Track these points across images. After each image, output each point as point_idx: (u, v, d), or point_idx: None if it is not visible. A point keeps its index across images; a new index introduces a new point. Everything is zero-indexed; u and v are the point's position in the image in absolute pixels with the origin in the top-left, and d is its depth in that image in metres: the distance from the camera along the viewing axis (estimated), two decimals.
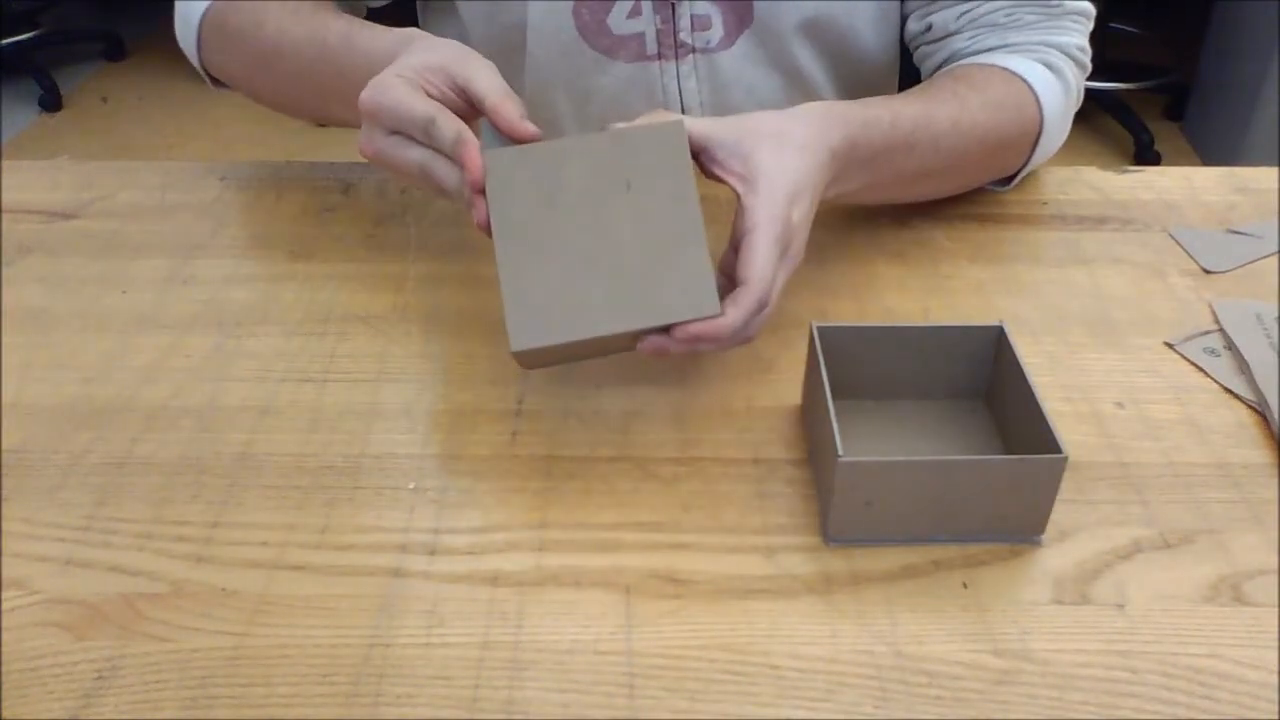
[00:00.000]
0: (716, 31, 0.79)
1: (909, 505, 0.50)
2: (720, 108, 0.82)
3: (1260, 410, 0.60)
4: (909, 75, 0.91)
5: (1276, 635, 0.47)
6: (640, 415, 0.59)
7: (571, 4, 0.77)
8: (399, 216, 0.77)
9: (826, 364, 0.54)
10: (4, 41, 2.83)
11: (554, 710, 0.44)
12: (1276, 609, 0.49)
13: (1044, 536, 0.52)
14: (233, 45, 0.77)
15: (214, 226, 0.76)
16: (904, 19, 0.82)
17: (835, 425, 0.49)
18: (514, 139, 0.56)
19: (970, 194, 0.79)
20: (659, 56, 0.79)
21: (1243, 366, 0.62)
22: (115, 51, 3.10)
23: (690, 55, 0.79)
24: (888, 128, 0.64)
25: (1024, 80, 0.73)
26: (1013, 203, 0.78)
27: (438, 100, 0.58)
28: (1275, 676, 0.46)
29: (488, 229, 0.54)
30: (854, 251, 0.73)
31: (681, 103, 0.81)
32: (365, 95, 0.59)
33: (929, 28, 0.79)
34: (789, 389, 0.61)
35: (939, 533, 0.51)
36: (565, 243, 0.53)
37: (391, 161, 0.59)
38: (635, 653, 0.47)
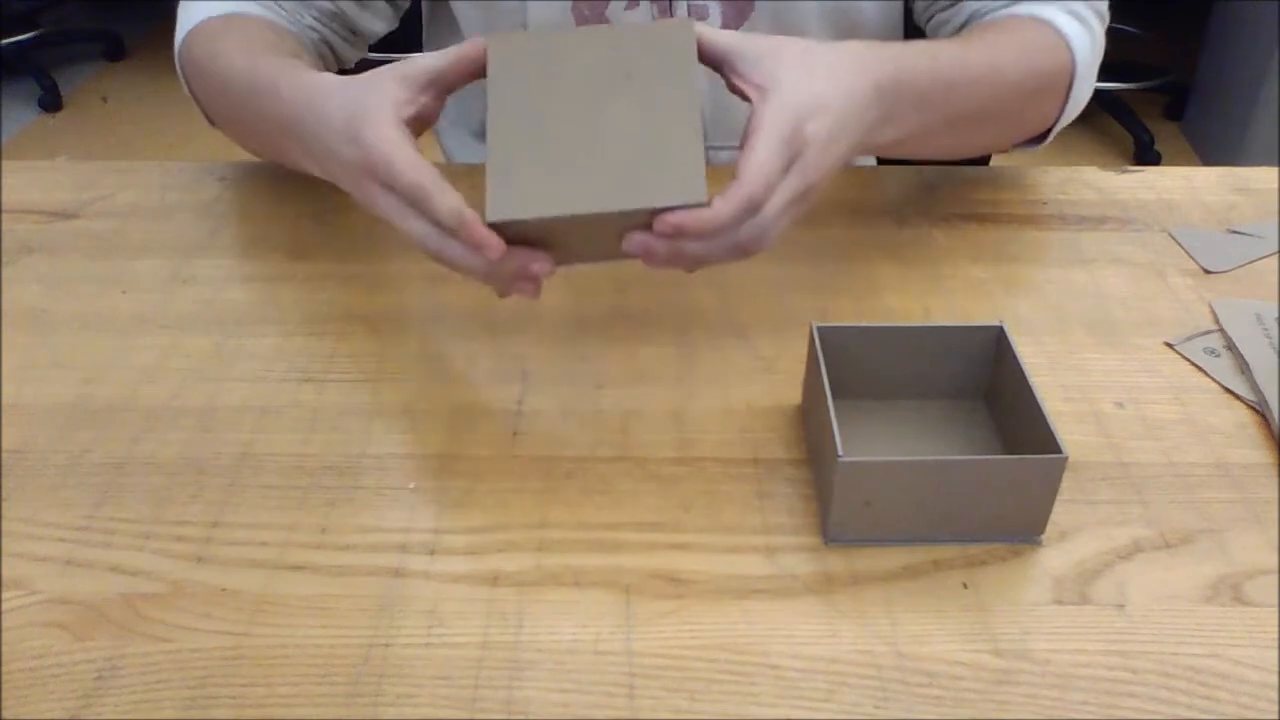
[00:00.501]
0: (714, 21, 0.78)
1: (909, 505, 0.50)
2: (721, 98, 0.82)
3: (1260, 410, 0.60)
4: None
5: (1276, 635, 0.47)
6: (640, 415, 0.59)
7: (570, 3, 0.77)
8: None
9: (826, 364, 0.54)
10: (4, 41, 2.83)
11: (554, 710, 0.44)
12: (1276, 609, 0.49)
13: (1044, 536, 0.52)
14: (196, 75, 0.76)
15: (214, 226, 0.76)
16: None
17: (835, 425, 0.49)
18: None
19: (969, 193, 0.79)
20: None
21: (1243, 366, 0.62)
22: (115, 51, 3.10)
23: None
24: (930, 66, 0.62)
25: (1052, 25, 0.72)
26: (1013, 203, 0.78)
27: (419, 109, 0.56)
28: (1275, 676, 0.46)
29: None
30: (854, 251, 0.73)
31: None
32: (349, 152, 0.55)
33: None
34: (789, 389, 0.61)
35: (939, 533, 0.51)
36: (558, 125, 0.51)
37: (397, 228, 0.55)
38: (635, 653, 0.47)
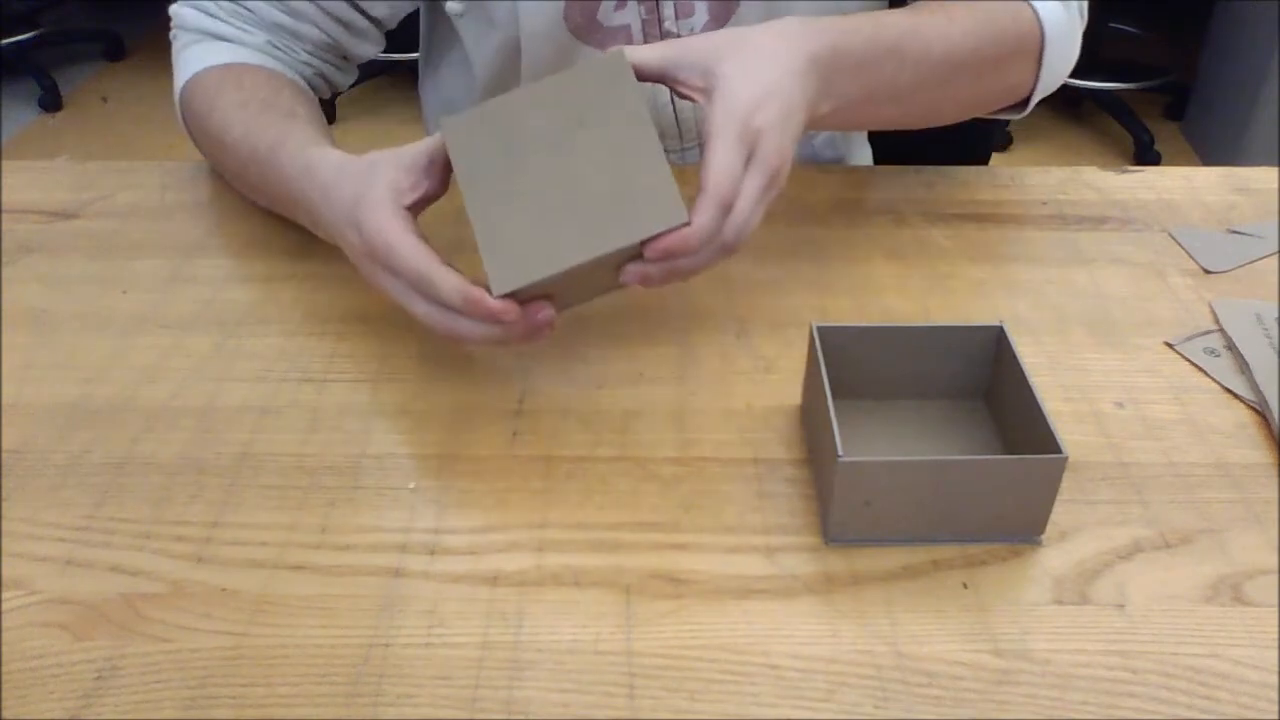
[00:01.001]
0: (701, 17, 0.79)
1: (909, 505, 0.50)
2: (681, 104, 0.82)
3: (1260, 410, 0.60)
4: None
5: (1276, 635, 0.47)
6: (640, 415, 0.59)
7: (562, 5, 0.77)
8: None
9: (826, 364, 0.54)
10: (4, 41, 2.83)
11: (554, 710, 0.44)
12: (1276, 609, 0.49)
13: (1044, 536, 0.52)
14: (196, 128, 0.77)
15: (214, 226, 0.76)
16: None
17: (835, 425, 0.49)
18: None
19: (969, 193, 0.79)
20: None
21: (1243, 366, 0.62)
22: (115, 51, 3.11)
23: None
24: (870, 33, 0.63)
25: None
26: (1013, 203, 0.78)
27: (424, 192, 0.57)
28: (1275, 676, 0.46)
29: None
30: (854, 251, 0.73)
31: (671, 91, 0.81)
32: (352, 237, 0.57)
33: None
34: (789, 389, 0.61)
35: (939, 533, 0.51)
36: (530, 186, 0.53)
37: (403, 307, 0.57)
38: (635, 653, 0.47)
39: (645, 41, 0.79)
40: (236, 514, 0.53)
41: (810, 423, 0.57)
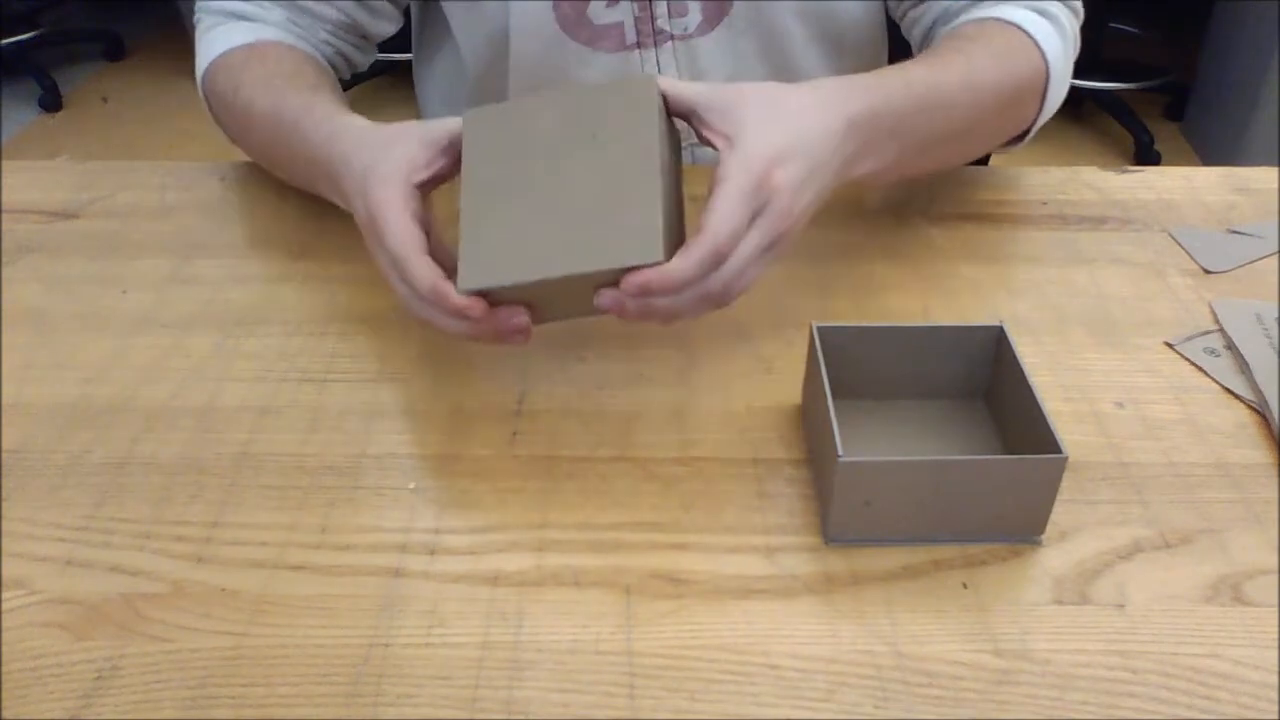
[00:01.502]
0: (694, 17, 0.79)
1: (909, 505, 0.50)
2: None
3: (1260, 410, 0.60)
4: (897, 55, 0.91)
5: (1276, 635, 0.47)
6: (640, 415, 0.59)
7: (552, 1, 0.77)
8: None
9: (826, 364, 0.54)
10: (4, 41, 2.83)
11: (554, 710, 0.44)
12: (1276, 609, 0.49)
13: (1044, 536, 0.52)
14: (221, 107, 0.78)
15: (214, 226, 0.76)
16: None
17: (835, 425, 0.49)
18: None
19: (969, 193, 0.79)
20: (638, 45, 0.79)
21: (1243, 366, 0.62)
22: (115, 51, 3.10)
23: (669, 42, 0.80)
24: (904, 93, 0.62)
25: (1020, 28, 0.72)
26: (1012, 203, 0.78)
27: (438, 170, 0.57)
28: (1275, 676, 0.46)
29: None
30: (854, 251, 0.73)
31: None
32: (359, 205, 0.58)
33: None
34: (789, 389, 0.61)
35: (939, 533, 0.51)
36: (524, 190, 0.53)
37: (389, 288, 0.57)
38: (635, 653, 0.47)
39: (637, 40, 0.79)
40: (236, 514, 0.53)
41: (810, 423, 0.57)
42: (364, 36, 0.83)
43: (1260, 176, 0.82)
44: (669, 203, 0.53)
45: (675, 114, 0.58)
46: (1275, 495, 0.54)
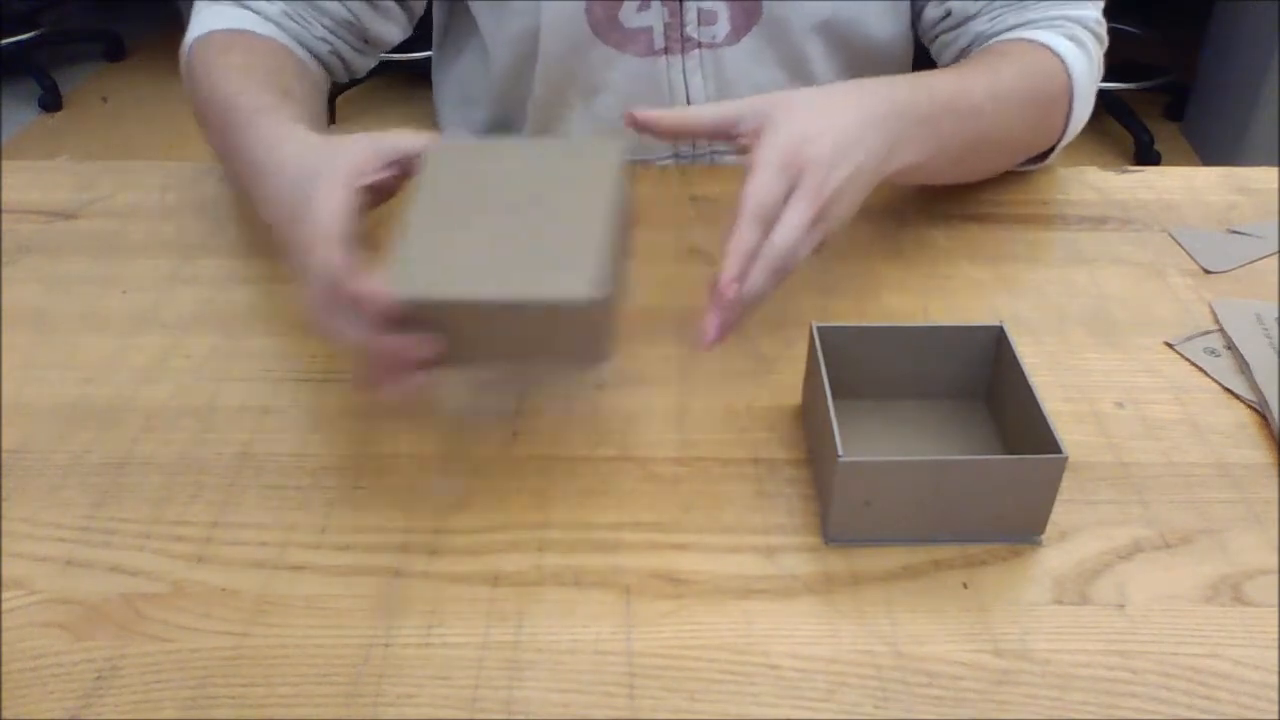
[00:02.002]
0: (723, 27, 0.79)
1: (909, 505, 0.50)
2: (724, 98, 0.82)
3: (1260, 410, 0.60)
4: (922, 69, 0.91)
5: (1276, 635, 0.47)
6: (640, 415, 0.59)
7: (584, 3, 0.77)
8: (399, 216, 0.77)
9: (826, 364, 0.54)
10: (4, 41, 2.83)
11: (554, 710, 0.44)
12: (1276, 609, 0.49)
13: (1044, 536, 0.52)
14: (192, 85, 0.75)
15: (214, 226, 0.76)
16: (918, 10, 0.82)
17: (835, 425, 0.49)
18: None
19: (969, 193, 0.79)
20: (665, 51, 0.80)
21: (1243, 366, 0.62)
22: (115, 51, 3.10)
23: (696, 50, 0.80)
24: (928, 96, 0.64)
25: (1049, 48, 0.73)
26: (1013, 203, 0.78)
27: (381, 180, 0.55)
28: (1275, 676, 0.46)
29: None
30: (854, 251, 0.73)
31: (687, 97, 0.81)
32: (291, 211, 0.54)
33: (948, 14, 0.79)
34: (789, 389, 0.61)
35: (939, 533, 0.51)
36: (471, 220, 0.52)
37: (296, 278, 0.54)
38: (635, 653, 0.47)
39: (665, 45, 0.79)
40: (236, 514, 0.53)
41: (810, 423, 0.57)
42: (365, 40, 0.82)
43: (1260, 176, 0.82)
44: (612, 257, 0.51)
45: (702, 135, 0.59)
46: (1275, 495, 0.54)
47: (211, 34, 0.75)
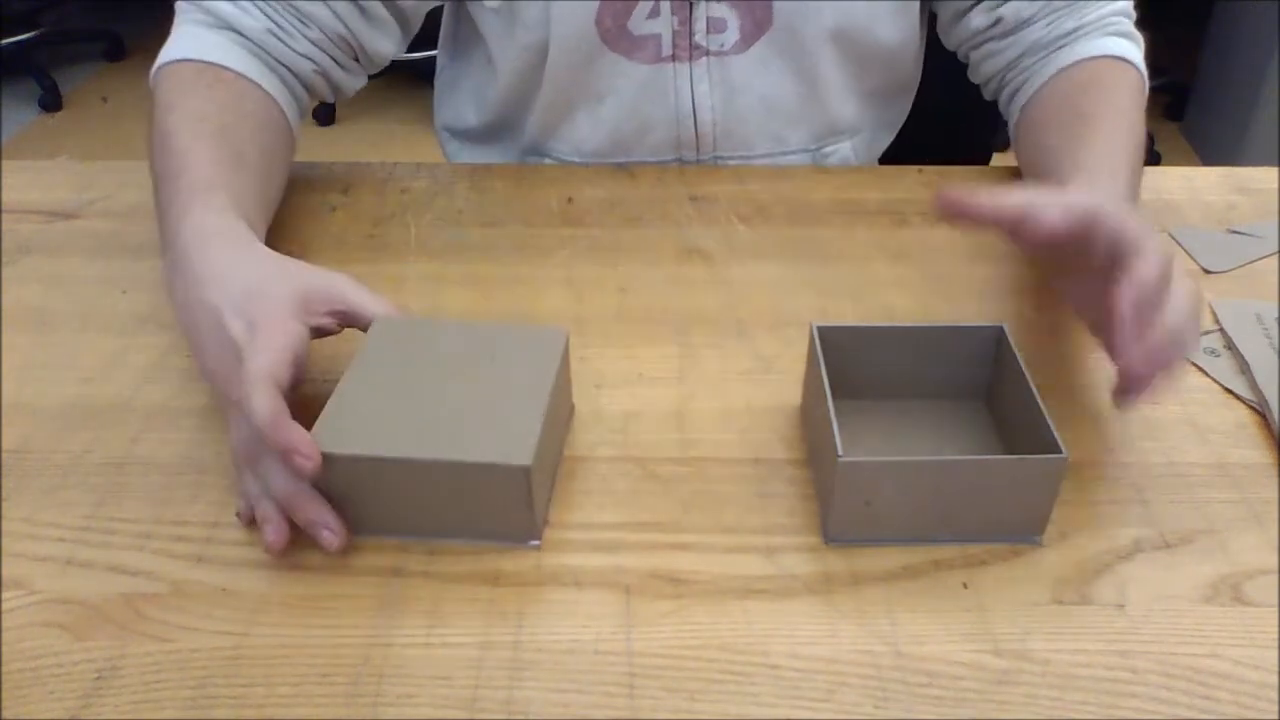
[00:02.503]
0: (732, 35, 0.79)
1: (909, 505, 0.50)
2: (731, 110, 0.82)
3: (1260, 410, 0.60)
4: (931, 74, 0.91)
5: (1276, 635, 0.47)
6: (640, 415, 0.59)
7: (596, 6, 0.77)
8: (399, 216, 0.77)
9: (826, 364, 0.54)
10: (4, 41, 2.83)
11: (554, 710, 0.44)
12: (1276, 609, 0.49)
13: (1044, 536, 0.52)
14: (153, 112, 0.68)
15: None
16: (955, 19, 0.81)
17: (835, 425, 0.49)
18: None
19: None
20: (673, 58, 0.79)
21: (1243, 366, 0.62)
22: (115, 51, 3.10)
23: (704, 58, 0.80)
24: (1127, 177, 0.63)
25: (1126, 60, 0.74)
26: None
27: (324, 325, 0.54)
28: (1275, 676, 0.46)
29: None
30: (854, 251, 0.73)
31: (693, 104, 0.81)
32: (233, 324, 0.52)
33: (998, 20, 0.78)
34: (789, 389, 0.61)
35: (939, 533, 0.51)
36: (409, 388, 0.52)
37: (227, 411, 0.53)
38: (635, 653, 0.47)
39: (674, 52, 0.79)
40: None
41: (810, 423, 0.57)
42: (354, 57, 0.78)
43: (1260, 176, 0.82)
44: (547, 434, 0.51)
45: (1072, 234, 0.52)
46: (1275, 495, 0.54)
47: (180, 64, 0.70)
